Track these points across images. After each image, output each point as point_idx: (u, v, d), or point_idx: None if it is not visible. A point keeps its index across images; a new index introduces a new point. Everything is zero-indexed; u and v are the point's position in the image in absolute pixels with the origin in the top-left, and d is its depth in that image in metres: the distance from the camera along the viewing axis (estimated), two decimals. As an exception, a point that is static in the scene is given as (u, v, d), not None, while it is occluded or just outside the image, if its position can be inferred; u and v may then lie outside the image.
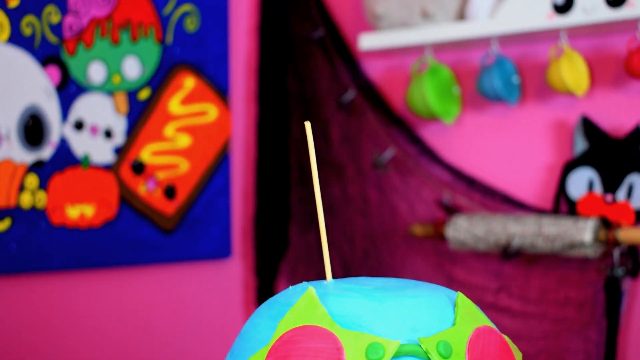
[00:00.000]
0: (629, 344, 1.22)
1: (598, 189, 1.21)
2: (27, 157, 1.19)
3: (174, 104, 1.37)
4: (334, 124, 1.44)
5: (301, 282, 0.59)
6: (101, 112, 1.28)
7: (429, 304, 0.54)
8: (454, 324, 0.53)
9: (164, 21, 1.35)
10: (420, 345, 0.50)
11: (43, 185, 1.21)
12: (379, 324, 0.51)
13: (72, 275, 1.27)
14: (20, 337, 1.21)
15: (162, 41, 1.35)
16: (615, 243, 1.15)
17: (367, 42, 1.37)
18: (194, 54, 1.39)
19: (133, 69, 1.31)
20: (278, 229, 1.48)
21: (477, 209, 1.33)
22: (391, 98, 1.46)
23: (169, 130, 1.36)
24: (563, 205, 1.25)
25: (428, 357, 0.49)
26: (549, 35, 1.26)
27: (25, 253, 1.19)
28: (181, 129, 1.37)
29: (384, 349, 0.49)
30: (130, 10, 1.30)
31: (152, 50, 1.33)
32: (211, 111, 1.42)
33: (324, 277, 0.59)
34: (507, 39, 1.30)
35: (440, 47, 1.37)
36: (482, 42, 1.32)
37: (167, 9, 1.35)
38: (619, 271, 1.16)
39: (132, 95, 1.31)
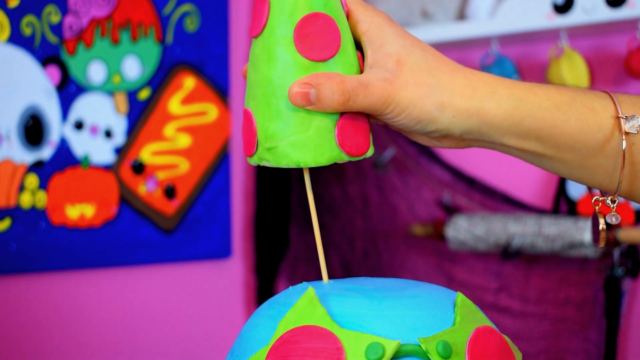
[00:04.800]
0: (629, 344, 1.22)
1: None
2: (27, 157, 1.19)
3: (174, 104, 1.37)
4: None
5: (301, 282, 0.59)
6: (101, 112, 1.28)
7: (428, 304, 0.54)
8: (454, 324, 0.53)
9: (164, 21, 1.35)
10: (420, 345, 0.50)
11: (43, 185, 1.21)
12: (379, 324, 0.51)
13: (72, 275, 1.27)
14: (20, 337, 1.21)
15: (162, 41, 1.35)
16: (615, 243, 1.15)
17: (367, 42, 1.37)
18: (194, 54, 1.39)
19: (133, 69, 1.31)
20: (278, 229, 1.48)
21: (477, 209, 1.33)
22: (391, 98, 1.46)
23: (169, 130, 1.36)
24: (563, 205, 1.25)
25: (428, 357, 0.49)
26: (549, 35, 1.27)
27: (25, 253, 1.19)
28: (181, 129, 1.37)
29: (384, 349, 0.49)
30: (130, 10, 1.30)
31: (152, 50, 1.33)
32: (211, 111, 1.42)
33: (324, 277, 0.60)
34: (507, 39, 1.30)
35: (440, 47, 1.37)
36: (482, 42, 1.32)
37: (167, 9, 1.35)
38: (619, 271, 1.16)
39: (132, 95, 1.31)
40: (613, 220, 0.57)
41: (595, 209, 0.59)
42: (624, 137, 0.55)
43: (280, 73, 0.55)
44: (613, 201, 0.57)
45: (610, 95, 0.58)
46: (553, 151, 0.56)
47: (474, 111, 0.55)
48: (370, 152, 0.58)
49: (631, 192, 0.57)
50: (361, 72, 0.58)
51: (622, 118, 0.55)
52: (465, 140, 0.58)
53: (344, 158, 0.56)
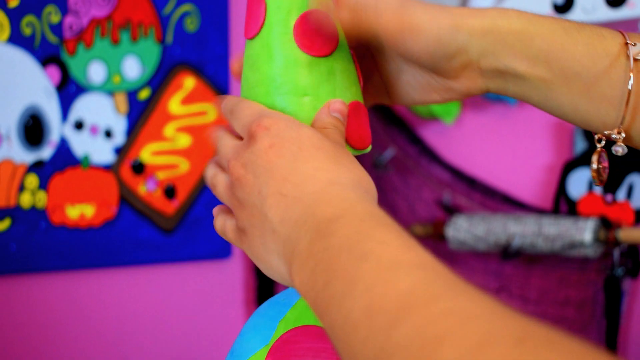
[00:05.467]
0: (629, 344, 1.22)
1: (598, 189, 1.21)
2: (27, 157, 1.19)
3: (174, 104, 1.37)
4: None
5: (301, 282, 0.59)
6: (101, 112, 1.28)
7: (429, 304, 0.53)
8: (454, 324, 0.52)
9: (164, 21, 1.35)
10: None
11: (43, 185, 1.21)
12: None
13: (72, 275, 1.26)
14: (20, 337, 1.21)
15: (162, 41, 1.35)
16: (615, 243, 1.15)
17: (367, 42, 1.37)
18: (194, 54, 1.39)
19: (133, 69, 1.31)
20: (278, 229, 1.48)
21: (477, 209, 1.33)
22: (391, 98, 1.46)
23: (169, 130, 1.36)
24: (563, 205, 1.25)
25: (428, 357, 0.49)
26: (549, 35, 1.26)
27: (25, 253, 1.19)
28: (181, 129, 1.37)
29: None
30: (130, 10, 1.30)
31: (152, 50, 1.33)
32: (211, 111, 1.42)
33: (324, 277, 0.59)
34: (507, 39, 1.30)
35: (440, 47, 1.37)
36: (482, 42, 1.32)
37: (167, 9, 1.35)
38: (619, 271, 1.16)
39: (132, 95, 1.31)
40: (619, 151, 0.57)
41: (597, 146, 0.58)
42: (632, 62, 0.55)
43: (282, 70, 0.55)
44: (619, 133, 0.56)
45: (619, 30, 0.58)
46: (560, 78, 0.56)
47: (487, 28, 0.56)
48: (369, 147, 0.59)
49: (633, 127, 0.56)
50: (357, 68, 0.58)
51: (630, 44, 0.56)
52: (483, 71, 0.58)
53: (349, 151, 0.56)
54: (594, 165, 0.59)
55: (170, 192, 1.36)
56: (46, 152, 1.22)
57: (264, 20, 0.56)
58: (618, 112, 0.56)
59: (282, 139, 0.50)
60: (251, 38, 0.57)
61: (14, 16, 1.18)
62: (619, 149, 0.57)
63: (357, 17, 0.55)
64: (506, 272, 1.29)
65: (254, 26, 0.56)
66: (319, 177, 0.48)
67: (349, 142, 0.56)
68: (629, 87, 0.55)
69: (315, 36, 0.55)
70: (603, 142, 0.58)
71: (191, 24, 1.38)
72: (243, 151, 0.51)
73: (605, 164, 0.59)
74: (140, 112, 1.32)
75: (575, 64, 0.56)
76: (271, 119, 0.51)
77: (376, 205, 0.46)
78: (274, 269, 0.49)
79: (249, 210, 0.50)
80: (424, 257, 0.42)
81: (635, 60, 0.55)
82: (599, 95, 0.56)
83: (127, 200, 1.31)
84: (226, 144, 0.54)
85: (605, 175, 0.59)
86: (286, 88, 0.55)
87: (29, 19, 1.19)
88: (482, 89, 0.60)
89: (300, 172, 0.48)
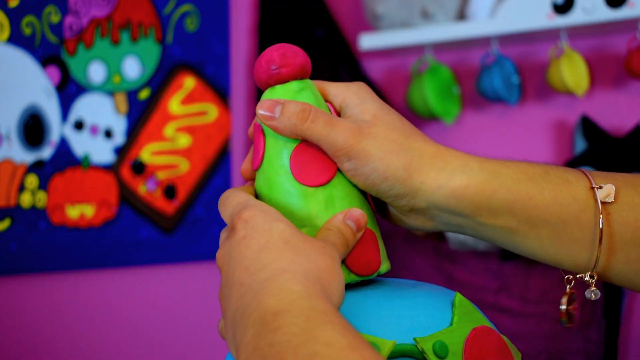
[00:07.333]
0: (629, 344, 1.22)
1: (598, 189, 1.21)
2: (27, 157, 1.19)
3: (174, 104, 1.37)
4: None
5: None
6: (101, 112, 1.28)
7: (426, 303, 0.53)
8: (451, 324, 0.52)
9: (164, 21, 1.35)
10: (416, 345, 0.50)
11: (43, 185, 1.21)
12: (375, 323, 0.51)
13: (72, 275, 1.27)
14: (20, 337, 1.21)
15: (162, 41, 1.35)
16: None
17: (367, 42, 1.37)
18: (194, 54, 1.39)
19: (133, 69, 1.31)
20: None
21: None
22: (391, 98, 1.46)
23: (169, 130, 1.36)
24: (563, 205, 1.25)
25: (424, 356, 0.49)
26: (549, 35, 1.26)
27: (25, 253, 1.19)
28: (181, 129, 1.38)
29: (380, 349, 0.49)
30: (130, 10, 1.30)
31: (152, 50, 1.33)
32: (211, 111, 1.42)
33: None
34: (507, 39, 1.30)
35: (440, 47, 1.37)
36: (482, 42, 1.32)
37: (167, 9, 1.35)
38: (619, 271, 1.15)
39: (132, 95, 1.31)
40: (592, 296, 0.55)
41: (566, 287, 0.57)
42: (600, 206, 0.54)
43: (282, 201, 0.55)
44: (592, 277, 0.55)
45: (582, 171, 0.57)
46: (527, 225, 0.54)
47: (443, 183, 0.53)
48: (384, 268, 0.57)
49: (608, 268, 0.55)
50: (362, 195, 0.57)
51: (596, 188, 0.54)
52: (433, 219, 0.56)
53: (354, 279, 0.55)
54: (563, 307, 0.57)
55: (170, 192, 1.36)
56: (46, 152, 1.22)
57: (264, 152, 0.56)
58: (590, 254, 0.54)
59: (254, 231, 0.50)
60: (256, 170, 0.57)
61: (14, 16, 1.18)
62: (592, 295, 0.56)
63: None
64: (506, 272, 1.29)
65: (257, 159, 0.57)
66: (273, 266, 0.48)
67: (351, 269, 0.54)
68: (600, 227, 0.54)
69: (312, 166, 0.55)
70: (572, 283, 0.57)
71: (191, 24, 1.39)
72: (224, 242, 0.52)
73: (576, 304, 0.58)
74: (140, 112, 1.33)
75: (542, 212, 0.54)
76: (251, 211, 0.51)
77: (323, 299, 0.46)
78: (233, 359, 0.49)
79: (223, 299, 0.50)
80: (369, 356, 0.42)
81: (602, 203, 0.54)
82: (568, 238, 0.55)
83: (127, 200, 1.31)
84: (222, 233, 0.55)
85: (575, 316, 0.58)
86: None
87: (29, 19, 1.19)
88: (432, 229, 0.58)
89: (259, 262, 0.48)
